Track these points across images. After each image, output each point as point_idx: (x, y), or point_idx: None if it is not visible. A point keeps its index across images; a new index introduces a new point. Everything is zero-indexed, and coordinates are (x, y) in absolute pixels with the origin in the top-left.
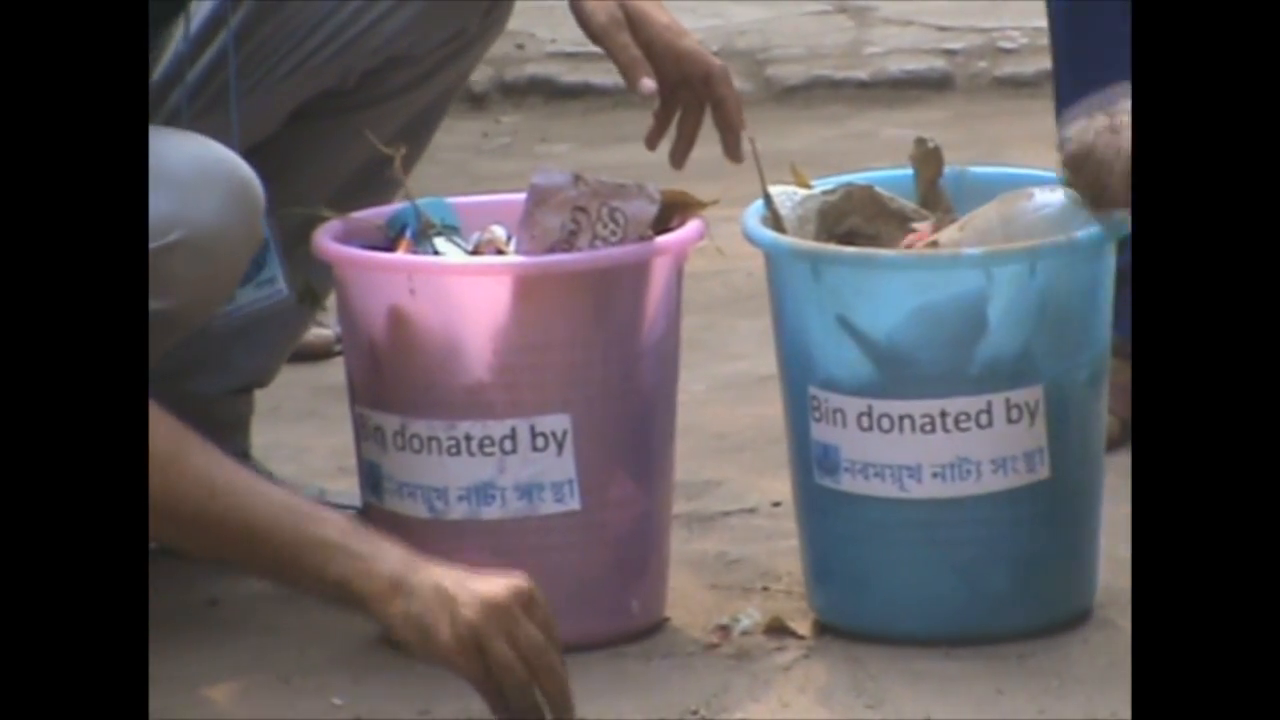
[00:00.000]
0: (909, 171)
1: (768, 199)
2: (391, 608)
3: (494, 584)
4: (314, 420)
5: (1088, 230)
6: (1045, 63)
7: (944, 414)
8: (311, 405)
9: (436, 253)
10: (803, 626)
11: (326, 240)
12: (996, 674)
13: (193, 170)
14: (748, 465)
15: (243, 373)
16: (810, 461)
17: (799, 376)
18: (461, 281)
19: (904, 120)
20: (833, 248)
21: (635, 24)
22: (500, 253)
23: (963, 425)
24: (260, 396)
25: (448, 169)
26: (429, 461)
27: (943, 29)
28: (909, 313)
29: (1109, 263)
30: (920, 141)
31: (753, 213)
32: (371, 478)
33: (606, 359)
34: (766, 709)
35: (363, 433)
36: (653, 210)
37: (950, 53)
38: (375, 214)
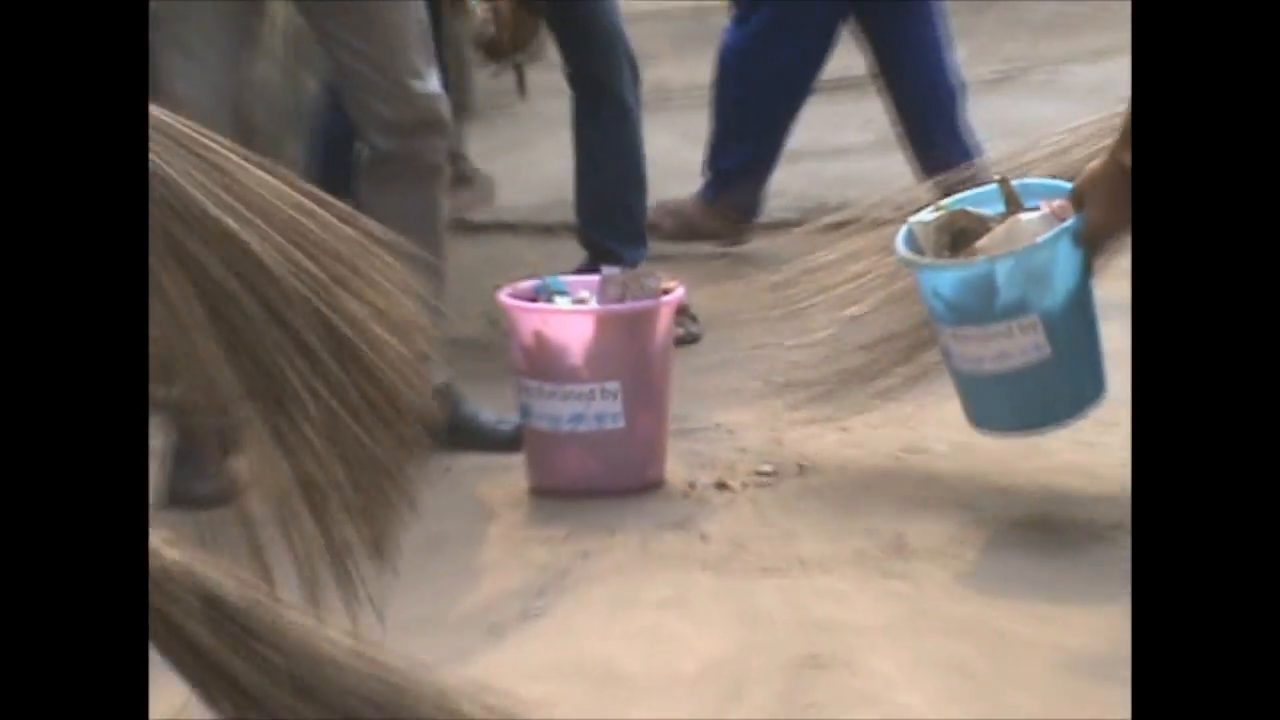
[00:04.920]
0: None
1: (910, 231)
2: None
3: None
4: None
5: (1044, 236)
6: None
7: (985, 332)
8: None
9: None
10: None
11: (507, 298)
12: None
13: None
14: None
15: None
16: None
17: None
18: (569, 318)
19: None
20: (921, 259)
21: None
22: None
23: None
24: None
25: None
26: (552, 402)
27: None
28: (959, 285)
29: (1063, 248)
30: (1002, 181)
31: (902, 237)
32: (524, 410)
33: (639, 355)
34: (733, 516)
35: (521, 387)
36: (659, 286)
37: None
38: (526, 286)
